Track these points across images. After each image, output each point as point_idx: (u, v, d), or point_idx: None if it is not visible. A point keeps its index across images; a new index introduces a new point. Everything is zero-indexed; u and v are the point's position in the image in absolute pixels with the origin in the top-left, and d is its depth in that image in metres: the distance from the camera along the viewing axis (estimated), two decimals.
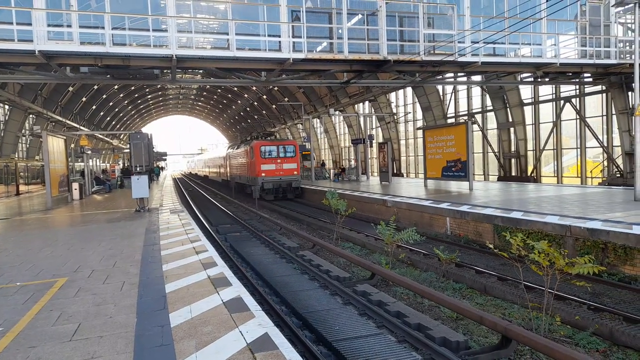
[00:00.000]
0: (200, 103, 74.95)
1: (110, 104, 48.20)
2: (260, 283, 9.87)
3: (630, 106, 19.87)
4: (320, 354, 6.11)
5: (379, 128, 38.54)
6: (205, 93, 64.47)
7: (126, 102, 53.41)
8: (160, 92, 59.27)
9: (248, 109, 62.85)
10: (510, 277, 9.18)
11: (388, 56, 15.50)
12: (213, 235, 15.18)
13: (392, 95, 36.72)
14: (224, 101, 66.76)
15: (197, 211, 22.15)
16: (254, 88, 49.12)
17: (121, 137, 59.40)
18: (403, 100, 36.64)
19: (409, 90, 33.96)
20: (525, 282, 8.17)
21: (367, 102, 37.80)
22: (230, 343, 4.60)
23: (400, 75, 19.34)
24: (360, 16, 15.93)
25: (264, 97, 53.20)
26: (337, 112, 35.93)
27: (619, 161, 21.70)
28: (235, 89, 53.61)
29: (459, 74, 20.52)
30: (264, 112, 59.31)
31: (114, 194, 27.25)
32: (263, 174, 26.42)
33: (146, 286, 6.73)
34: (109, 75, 16.22)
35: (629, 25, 18.71)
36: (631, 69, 14.33)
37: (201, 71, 33.44)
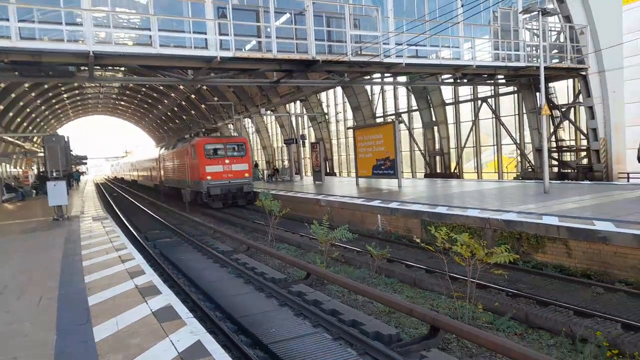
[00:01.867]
0: (123, 102, 70.99)
1: (21, 104, 44.17)
2: (192, 290, 9.56)
3: (538, 106, 21.68)
4: (256, 357, 6.05)
5: (311, 128, 38.86)
6: (128, 92, 61.17)
7: (39, 101, 49.26)
8: (77, 91, 55.34)
9: (176, 108, 60.59)
10: (438, 270, 9.66)
11: (317, 56, 15.64)
12: (141, 243, 14.49)
13: (323, 95, 37.16)
14: (149, 100, 63.78)
15: (123, 218, 21.01)
16: (182, 87, 47.46)
17: (34, 139, 54.90)
18: (334, 100, 37.21)
19: (339, 90, 34.56)
20: (451, 273, 8.63)
21: (298, 102, 37.94)
22: (161, 353, 4.43)
23: (329, 75, 19.60)
24: (288, 15, 15.93)
25: (193, 96, 51.57)
26: (268, 112, 35.70)
27: (531, 157, 23.62)
28: (161, 87, 51.47)
29: (385, 75, 21.22)
30: (192, 112, 57.48)
31: (28, 202, 25.12)
32: (208, 177, 22.62)
33: (66, 300, 6.29)
34: (17, 73, 14.91)
35: (535, 31, 20.40)
36: (538, 71, 15.62)
37: (123, 69, 31.75)
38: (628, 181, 19.44)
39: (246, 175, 23.66)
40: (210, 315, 7.52)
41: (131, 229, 17.57)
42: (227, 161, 23.18)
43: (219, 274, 10.74)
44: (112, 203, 28.76)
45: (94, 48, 12.87)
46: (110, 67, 27.37)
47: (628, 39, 22.40)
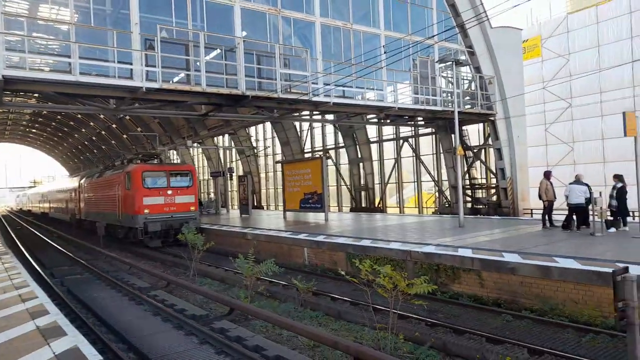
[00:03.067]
0: (34, 130, 65.88)
1: None
2: (104, 330, 8.86)
3: (453, 146, 23.34)
4: None
5: (239, 161, 38.56)
6: (41, 119, 56.98)
7: None
8: None
9: (94, 138, 57.30)
10: (362, 302, 9.80)
11: (246, 92, 15.76)
12: (46, 280, 13.24)
13: (253, 129, 37.24)
14: (65, 129, 59.83)
15: (26, 253, 19.13)
16: (102, 116, 45.20)
17: None
18: (263, 134, 37.41)
19: (269, 125, 34.86)
20: (374, 305, 8.79)
21: (227, 135, 37.64)
22: None
23: (259, 110, 19.78)
24: (218, 51, 16.02)
25: (114, 125, 49.20)
26: (195, 144, 34.97)
27: (447, 193, 25.15)
28: (79, 116, 48.65)
29: (314, 113, 21.82)
30: (113, 142, 54.70)
31: None
32: (146, 211, 19.60)
33: None
34: None
35: (450, 79, 22.22)
36: (453, 115, 16.94)
37: (36, 95, 29.67)
38: (531, 216, 21.27)
39: (192, 208, 20.96)
40: (123, 357, 7.00)
41: (35, 265, 16.04)
42: (169, 192, 20.36)
43: (135, 312, 10.07)
44: (14, 237, 26.12)
45: (5, 72, 12.01)
46: (22, 93, 25.49)
47: (528, 90, 25.13)
